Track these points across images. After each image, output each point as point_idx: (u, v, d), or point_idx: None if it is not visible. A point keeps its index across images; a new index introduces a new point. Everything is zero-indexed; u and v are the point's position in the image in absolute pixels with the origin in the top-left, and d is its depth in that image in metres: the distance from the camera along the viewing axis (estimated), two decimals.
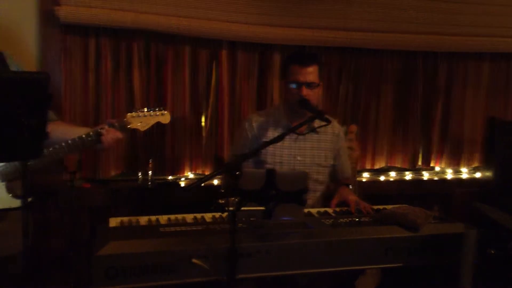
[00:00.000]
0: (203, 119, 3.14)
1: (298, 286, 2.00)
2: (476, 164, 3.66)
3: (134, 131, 2.06)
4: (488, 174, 3.43)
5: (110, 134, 1.97)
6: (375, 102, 3.46)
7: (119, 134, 2.01)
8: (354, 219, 2.05)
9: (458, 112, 3.61)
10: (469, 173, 3.63)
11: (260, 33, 3.09)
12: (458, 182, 3.56)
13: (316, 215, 2.15)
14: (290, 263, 1.79)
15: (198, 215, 2.03)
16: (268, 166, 2.30)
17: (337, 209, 2.22)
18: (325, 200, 2.46)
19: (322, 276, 1.93)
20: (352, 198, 2.33)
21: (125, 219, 1.95)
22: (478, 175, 3.60)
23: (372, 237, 1.86)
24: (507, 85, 3.68)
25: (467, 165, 3.65)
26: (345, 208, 2.24)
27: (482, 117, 3.62)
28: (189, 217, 2.01)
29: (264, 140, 2.30)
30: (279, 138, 1.99)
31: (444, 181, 3.55)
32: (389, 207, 2.29)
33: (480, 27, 3.47)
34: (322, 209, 2.23)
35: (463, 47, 3.47)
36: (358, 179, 3.28)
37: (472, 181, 3.57)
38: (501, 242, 2.00)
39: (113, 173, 2.96)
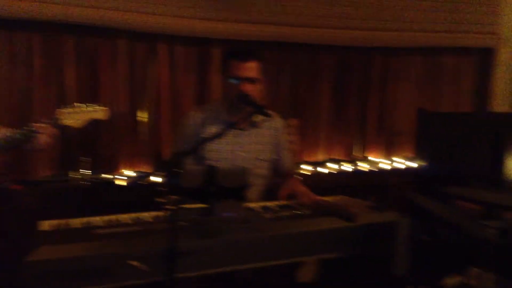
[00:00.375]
0: (141, 115, 3.07)
1: (240, 282, 2.00)
2: (409, 155, 3.82)
3: (67, 128, 1.97)
4: (421, 164, 3.58)
5: (46, 131, 1.88)
6: (314, 96, 3.53)
7: (55, 131, 1.91)
8: (294, 212, 2.07)
9: (392, 104, 3.76)
10: (403, 163, 3.78)
11: (198, 27, 3.05)
12: (393, 172, 3.71)
13: (258, 210, 2.15)
14: (232, 259, 1.78)
15: (136, 215, 1.97)
16: (209, 162, 2.28)
17: (278, 203, 2.24)
18: (269, 194, 2.47)
19: (264, 270, 1.94)
20: (301, 189, 2.35)
21: (58, 222, 1.86)
22: (411, 165, 3.75)
23: (311, 229, 1.89)
24: (438, 78, 3.86)
25: (401, 155, 3.81)
26: (286, 202, 2.27)
27: (414, 109, 3.77)
28: (126, 217, 1.95)
29: (205, 136, 2.28)
30: (219, 134, 1.98)
31: (379, 171, 3.69)
32: (328, 198, 2.34)
33: (412, 23, 3.61)
34: (263, 204, 2.24)
35: (396, 42, 3.60)
36: (299, 171, 3.34)
37: (405, 171, 3.73)
38: (432, 229, 2.09)
39: (45, 173, 2.83)
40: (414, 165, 3.72)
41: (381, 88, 3.71)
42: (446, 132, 3.54)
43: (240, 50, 2.41)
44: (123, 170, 3.02)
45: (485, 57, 3.90)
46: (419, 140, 3.68)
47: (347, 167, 3.62)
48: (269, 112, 2.30)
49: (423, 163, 3.55)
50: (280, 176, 2.54)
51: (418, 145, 3.70)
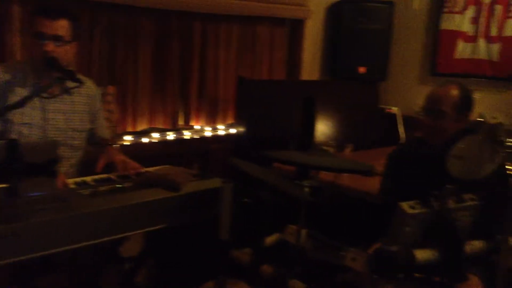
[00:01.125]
0: None
1: (58, 265, 1.83)
2: (230, 121, 3.93)
3: None
4: (240, 129, 3.73)
5: None
6: (133, 62, 3.35)
7: None
8: (114, 185, 1.95)
9: (213, 72, 3.79)
10: (225, 130, 3.88)
11: None
12: (215, 139, 3.78)
13: (73, 186, 1.97)
14: (45, 242, 1.60)
15: None
16: (16, 128, 2.05)
17: (96, 177, 2.09)
18: (85, 167, 2.30)
19: (83, 250, 1.80)
20: (120, 158, 2.23)
21: None
22: (232, 131, 3.87)
23: (133, 202, 1.80)
24: (255, 47, 4.01)
25: (223, 122, 3.90)
26: (105, 175, 2.13)
27: (233, 76, 3.87)
28: None
29: (9, 101, 2.02)
30: (26, 100, 1.79)
31: (203, 139, 3.73)
32: (151, 169, 2.27)
33: None
34: (79, 179, 2.06)
35: (214, 8, 3.60)
36: (120, 142, 3.18)
37: (227, 137, 3.84)
38: (253, 192, 2.17)
39: None
40: (235, 131, 3.84)
41: (202, 55, 3.70)
42: (263, 99, 3.74)
43: (50, 6, 2.17)
44: None
45: (296, 28, 4.18)
46: (239, 107, 3.81)
47: (171, 136, 3.57)
48: (82, 78, 2.14)
49: (242, 129, 3.70)
50: (97, 147, 2.39)
51: (238, 111, 3.85)
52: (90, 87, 2.34)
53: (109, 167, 2.21)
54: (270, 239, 1.88)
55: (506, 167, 1.43)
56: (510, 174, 1.41)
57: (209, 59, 3.75)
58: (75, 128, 2.25)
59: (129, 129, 3.40)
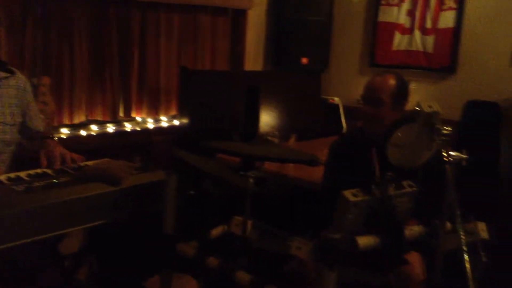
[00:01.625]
0: None
1: None
2: (173, 112, 3.86)
3: None
4: (183, 120, 3.67)
5: None
6: (69, 52, 3.21)
7: None
8: (51, 180, 1.86)
9: (154, 62, 3.70)
10: (168, 121, 3.80)
11: None
12: (158, 131, 3.70)
13: (5, 181, 1.86)
14: None
15: None
16: None
17: (31, 172, 1.98)
18: (18, 162, 2.18)
19: (19, 249, 1.71)
20: (60, 150, 2.12)
21: None
22: (175, 122, 3.81)
23: (71, 198, 1.72)
24: (197, 37, 3.95)
25: (166, 113, 3.82)
26: (40, 170, 2.02)
27: (175, 66, 3.79)
28: None
29: None
30: None
31: (145, 131, 3.64)
32: (90, 163, 2.18)
33: None
34: (12, 174, 1.94)
35: None
36: (56, 135, 3.03)
37: (170, 128, 3.77)
38: (198, 184, 2.15)
39: None
40: (178, 122, 3.78)
41: (141, 44, 3.60)
42: (206, 90, 3.70)
43: None
44: None
45: (238, 18, 4.15)
46: (181, 98, 3.75)
47: (111, 128, 3.45)
48: (12, 68, 2.02)
49: (185, 120, 3.65)
50: (32, 141, 2.26)
51: (181, 102, 3.78)
52: (19, 78, 2.21)
53: (48, 163, 2.10)
54: (215, 231, 1.87)
55: (442, 153, 1.48)
56: (446, 160, 1.47)
57: (150, 48, 3.65)
58: (4, 122, 2.13)
59: (66, 121, 3.26)
